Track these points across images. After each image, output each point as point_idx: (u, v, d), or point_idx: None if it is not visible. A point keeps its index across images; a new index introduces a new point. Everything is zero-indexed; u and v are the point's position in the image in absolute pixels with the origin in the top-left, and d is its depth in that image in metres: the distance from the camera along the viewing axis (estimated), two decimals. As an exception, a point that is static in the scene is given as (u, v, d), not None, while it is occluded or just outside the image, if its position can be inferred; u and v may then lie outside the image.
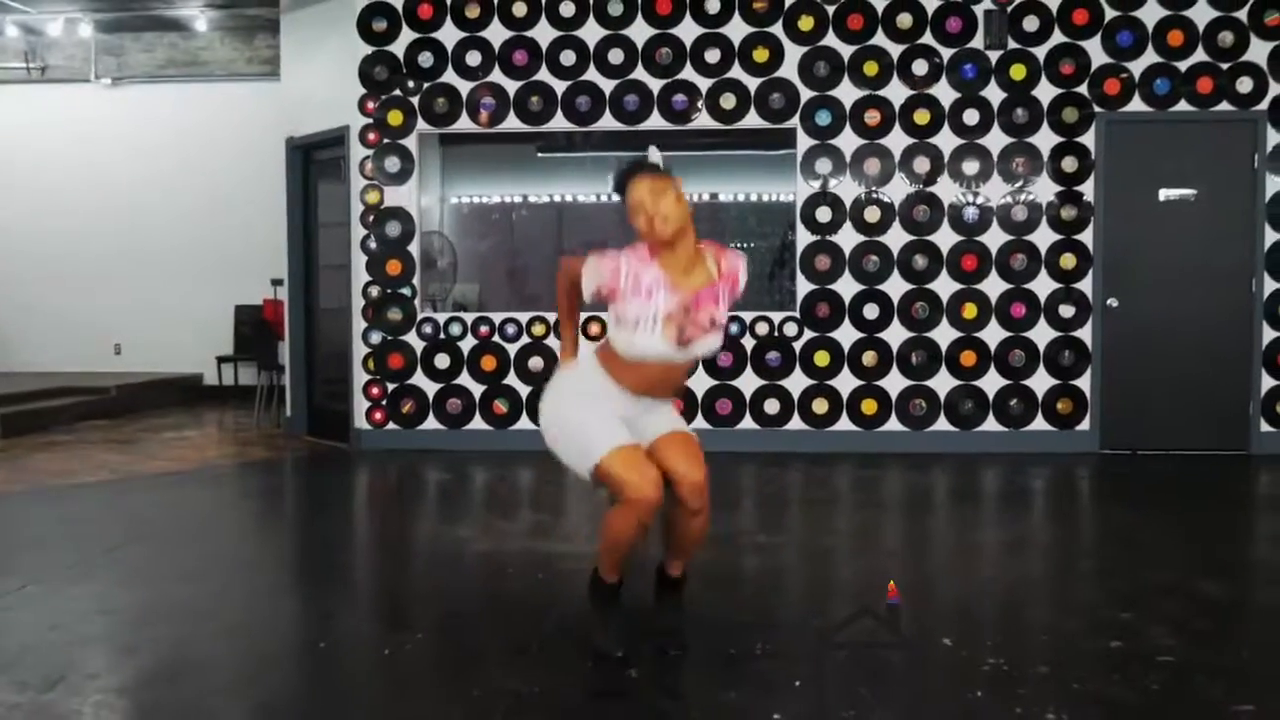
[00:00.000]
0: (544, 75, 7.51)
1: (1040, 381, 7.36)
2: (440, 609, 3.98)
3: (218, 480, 6.77)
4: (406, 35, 7.57)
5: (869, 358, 7.41)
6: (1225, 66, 7.22)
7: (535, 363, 7.53)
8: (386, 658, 3.36)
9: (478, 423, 7.57)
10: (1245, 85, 7.21)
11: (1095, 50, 7.27)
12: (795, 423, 7.39)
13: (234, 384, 10.45)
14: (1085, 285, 7.31)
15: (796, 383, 7.39)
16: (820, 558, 4.84)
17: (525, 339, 7.55)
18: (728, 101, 7.39)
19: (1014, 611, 3.93)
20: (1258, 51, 7.20)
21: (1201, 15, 7.21)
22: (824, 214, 7.42)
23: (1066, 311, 7.33)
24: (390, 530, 5.61)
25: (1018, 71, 7.31)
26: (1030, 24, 7.30)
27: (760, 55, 7.39)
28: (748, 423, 7.41)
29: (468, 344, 7.58)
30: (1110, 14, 7.26)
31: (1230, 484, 6.55)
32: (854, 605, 3.90)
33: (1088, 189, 7.29)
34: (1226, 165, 7.27)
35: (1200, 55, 7.22)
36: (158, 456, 7.46)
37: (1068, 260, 7.31)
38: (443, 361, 7.59)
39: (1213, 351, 7.27)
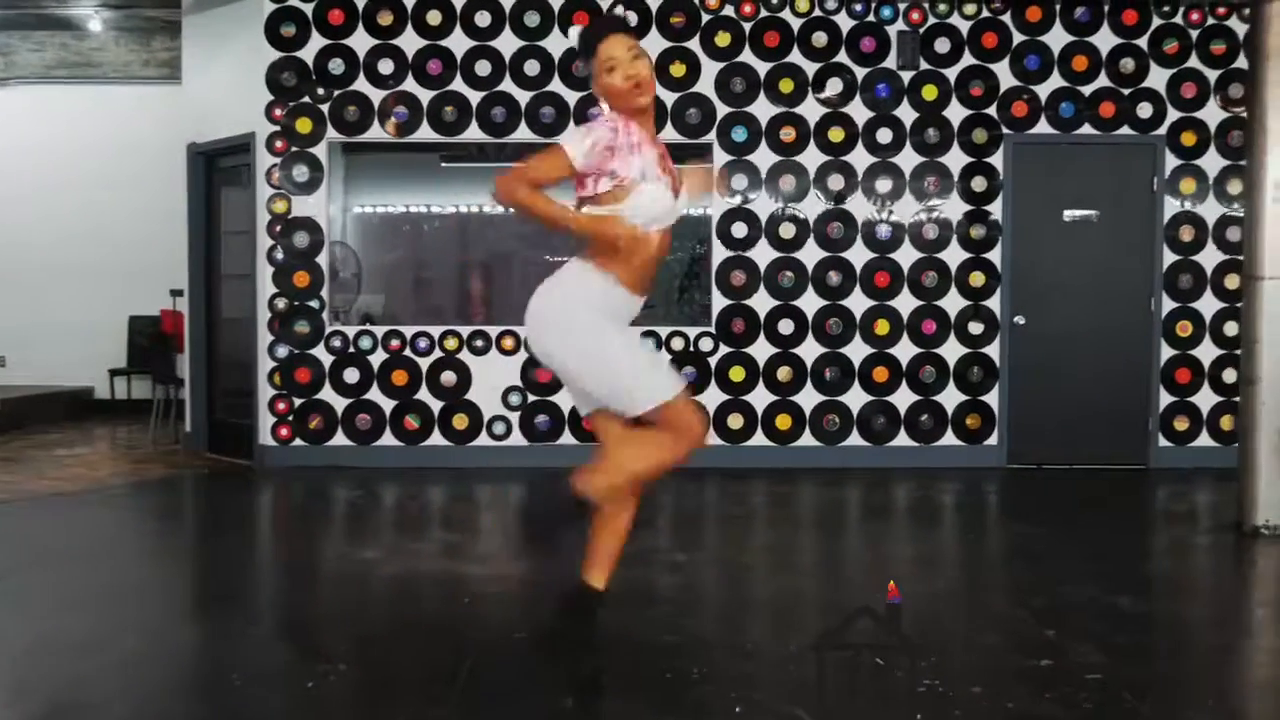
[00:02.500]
0: (459, 85, 7.39)
1: (950, 397, 7.47)
2: (360, 636, 3.84)
3: (114, 500, 6.47)
4: (316, 41, 7.38)
5: (784, 373, 7.44)
6: (1127, 92, 7.43)
7: (448, 377, 7.38)
8: (309, 690, 3.22)
9: (388, 439, 7.39)
10: (1145, 110, 7.44)
11: (1004, 73, 7.43)
12: (710, 438, 7.37)
13: (127, 398, 10.07)
14: (993, 303, 7.45)
15: (711, 398, 7.38)
16: (740, 576, 4.81)
17: (438, 353, 7.40)
18: (644, 116, 7.35)
19: (942, 630, 3.95)
20: (1157, 78, 7.43)
21: (1104, 41, 7.42)
22: (740, 229, 7.43)
23: (975, 328, 7.46)
24: (300, 552, 5.42)
25: (929, 92, 7.42)
26: (941, 46, 7.42)
27: (677, 70, 7.38)
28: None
29: (378, 358, 7.40)
30: (1018, 38, 7.42)
31: (1131, 498, 6.72)
32: (779, 623, 3.88)
33: (996, 208, 7.44)
34: (1127, 187, 7.48)
35: (1103, 80, 7.43)
36: (47, 475, 7.12)
37: (977, 278, 7.45)
38: (352, 376, 7.40)
39: (1113, 368, 7.47)
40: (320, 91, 7.39)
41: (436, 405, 7.39)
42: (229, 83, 7.71)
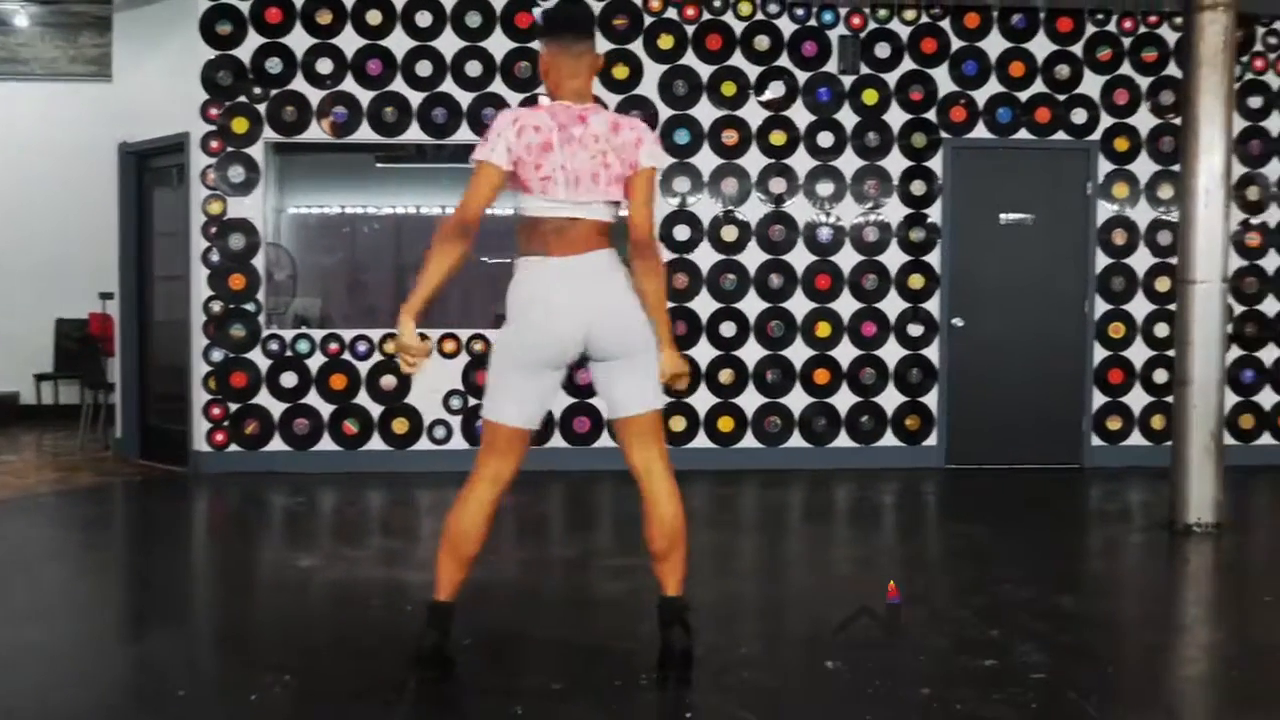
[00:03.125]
0: (399, 85, 7.31)
1: (890, 399, 7.54)
2: (303, 646, 3.76)
3: (42, 509, 6.30)
4: (253, 40, 7.25)
5: (725, 375, 7.46)
6: (1062, 98, 7.56)
7: (388, 381, 7.29)
8: (255, 703, 3.15)
9: (326, 443, 7.28)
10: (1080, 116, 7.57)
11: (943, 78, 7.52)
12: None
13: (54, 403, 9.81)
14: (932, 305, 7.53)
15: (655, 401, 7.35)
16: (688, 581, 4.79)
17: (377, 356, 7.30)
18: (586, 118, 7.33)
19: (885, 632, 3.97)
20: (1091, 85, 7.57)
21: (1040, 48, 7.54)
22: (682, 232, 7.44)
23: (915, 330, 7.53)
24: (239, 561, 5.30)
25: (870, 96, 7.49)
26: (882, 50, 7.49)
27: (620, 72, 7.37)
28: (605, 440, 7.34)
29: (316, 362, 7.29)
30: (957, 44, 7.51)
31: (1067, 497, 6.84)
32: (725, 627, 3.88)
33: (935, 212, 7.52)
34: (1062, 192, 7.61)
35: (1039, 86, 7.55)
36: (-28, 483, 6.92)
37: (916, 280, 7.52)
38: (289, 380, 7.27)
39: (1049, 370, 7.59)
40: (257, 91, 7.26)
41: (376, 409, 7.30)
42: (162, 81, 7.54)
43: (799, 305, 7.48)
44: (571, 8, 3.50)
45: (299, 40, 7.28)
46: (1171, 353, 7.34)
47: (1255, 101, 7.68)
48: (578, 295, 3.19)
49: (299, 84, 7.27)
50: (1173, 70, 7.54)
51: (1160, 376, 7.56)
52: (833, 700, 3.23)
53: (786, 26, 7.46)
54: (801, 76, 7.46)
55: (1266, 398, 7.75)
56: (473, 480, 3.29)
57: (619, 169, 3.23)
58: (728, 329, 7.45)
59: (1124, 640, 3.97)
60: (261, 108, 7.26)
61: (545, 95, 3.37)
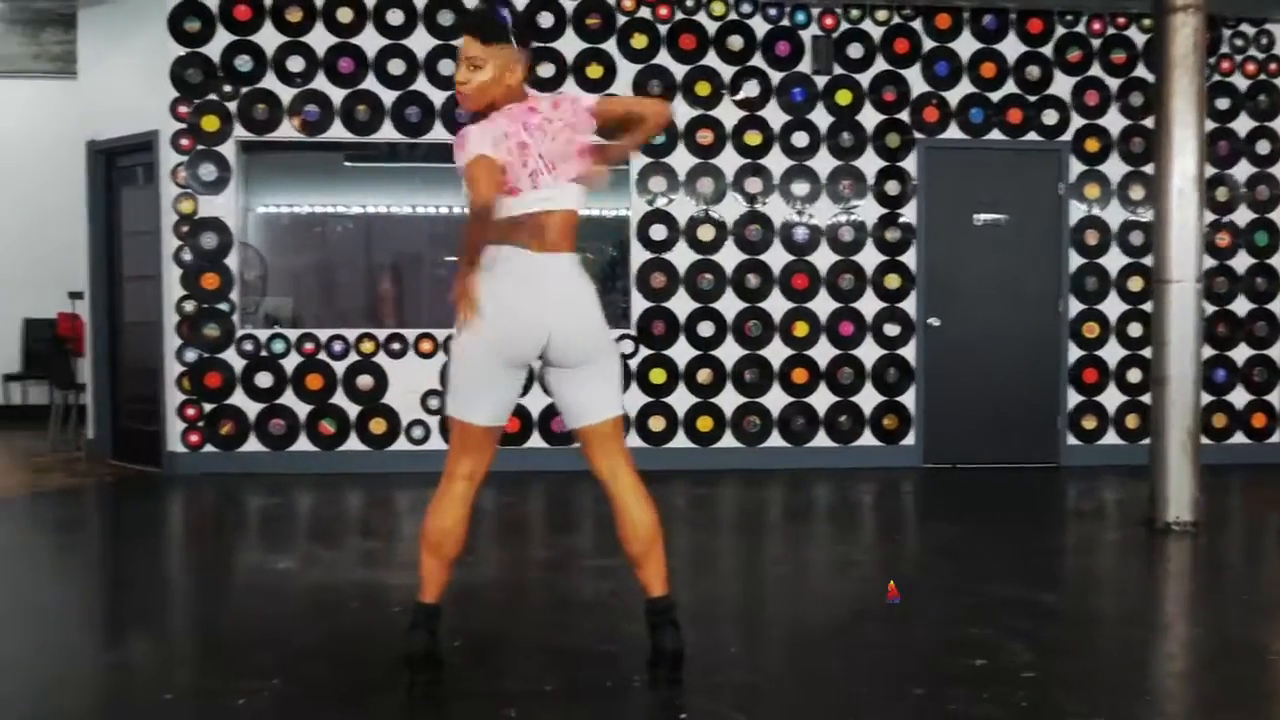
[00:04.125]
0: (371, 84, 7.25)
1: (868, 398, 7.57)
2: (286, 650, 3.71)
3: (15, 512, 6.21)
4: (223, 37, 7.17)
5: (704, 375, 7.46)
6: (1033, 99, 7.62)
7: (364, 380, 7.24)
8: (242, 707, 3.11)
9: (303, 443, 7.22)
10: (1051, 117, 7.63)
11: (915, 79, 7.55)
12: (632, 440, 7.30)
13: (22, 404, 9.67)
14: (909, 305, 7.57)
15: (633, 400, 7.35)
16: (672, 581, 4.78)
17: (354, 356, 7.25)
18: (562, 117, 7.30)
19: (875, 632, 3.98)
20: (1062, 86, 7.64)
21: (1011, 49, 7.60)
22: (659, 231, 7.43)
23: (891, 330, 7.57)
24: (218, 563, 5.24)
25: (843, 97, 7.51)
26: (855, 51, 7.52)
27: (594, 71, 7.35)
28: (583, 441, 7.32)
29: (291, 361, 7.22)
30: (929, 44, 7.55)
31: (1044, 496, 6.90)
32: (711, 628, 3.87)
33: (909, 212, 7.56)
34: (1034, 192, 7.67)
35: (1010, 87, 7.61)
36: (-60, 486, 6.80)
37: (892, 280, 7.56)
38: (265, 380, 7.20)
39: (1024, 369, 7.65)
40: (227, 89, 7.18)
41: (353, 409, 7.24)
42: (130, 79, 7.44)
43: (777, 305, 7.49)
44: (479, 12, 3.42)
45: (269, 38, 7.21)
46: (1145, 352, 7.47)
47: (1223, 103, 7.77)
48: (548, 296, 3.17)
49: (270, 82, 7.20)
50: (1142, 72, 7.62)
51: (1134, 376, 7.64)
52: (827, 701, 3.23)
53: (760, 26, 7.47)
54: (775, 76, 7.48)
55: (1238, 397, 7.84)
56: (446, 480, 3.26)
57: (581, 138, 3.24)
58: (706, 328, 7.45)
59: (1110, 637, 3.98)
60: (232, 105, 7.18)
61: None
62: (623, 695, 3.25)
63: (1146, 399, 7.45)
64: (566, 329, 3.18)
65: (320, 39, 7.23)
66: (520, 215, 3.18)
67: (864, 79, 7.53)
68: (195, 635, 4.08)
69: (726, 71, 7.45)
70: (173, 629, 4.14)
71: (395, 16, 7.26)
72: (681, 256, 7.44)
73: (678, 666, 3.27)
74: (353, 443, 7.23)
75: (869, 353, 7.55)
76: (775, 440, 7.51)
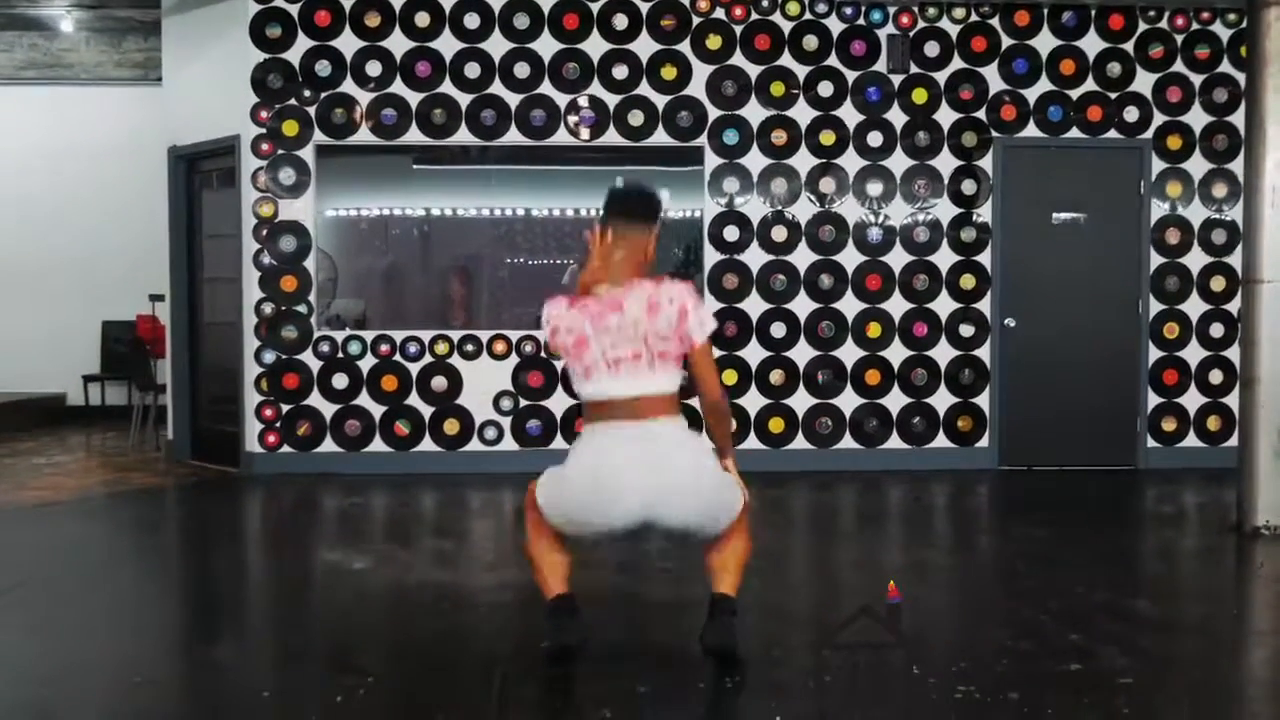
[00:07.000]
0: (447, 87, 7.31)
1: (941, 399, 7.49)
2: (381, 648, 3.77)
3: (103, 511, 6.34)
4: (303, 43, 7.27)
5: (776, 376, 7.43)
6: (1113, 96, 7.49)
7: (439, 382, 7.30)
8: (340, 705, 3.15)
9: (378, 444, 7.29)
10: (1132, 114, 7.50)
11: (993, 77, 7.46)
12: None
13: (101, 404, 9.89)
14: (984, 305, 7.48)
15: (704, 402, 7.33)
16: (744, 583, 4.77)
17: (428, 358, 7.31)
18: (635, 118, 7.32)
19: (967, 635, 3.93)
20: (1143, 82, 7.50)
21: (1091, 46, 7.48)
22: (731, 233, 7.41)
23: (966, 331, 7.48)
24: (298, 563, 5.30)
25: (919, 96, 7.44)
26: (931, 50, 7.44)
27: (668, 73, 7.35)
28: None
29: (367, 363, 7.31)
30: (1007, 42, 7.46)
31: (1125, 499, 6.77)
32: (803, 630, 3.85)
33: (985, 211, 7.47)
34: (1114, 190, 7.54)
35: (1090, 84, 7.48)
36: (28, 485, 6.96)
37: (967, 281, 7.47)
38: (341, 381, 7.29)
39: (1103, 370, 7.52)
40: (307, 94, 7.28)
41: (427, 410, 7.31)
42: (211, 85, 7.58)
43: (849, 306, 7.44)
44: (630, 195, 3.49)
45: (348, 43, 7.30)
46: (1227, 353, 7.33)
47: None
48: (634, 464, 3.22)
49: (348, 86, 7.29)
50: (1226, 68, 7.46)
51: (1216, 377, 7.48)
52: (924, 705, 3.19)
53: (835, 26, 7.42)
54: (850, 76, 7.42)
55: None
56: (531, 531, 3.47)
57: (662, 346, 3.27)
58: (778, 330, 7.42)
59: (1207, 644, 3.91)
60: (311, 110, 7.28)
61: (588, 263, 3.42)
62: (717, 696, 3.24)
63: (1228, 401, 7.36)
64: (669, 501, 3.26)
65: (398, 43, 7.31)
66: (590, 401, 3.34)
67: (940, 77, 7.46)
68: (283, 634, 4.12)
69: (801, 71, 7.41)
70: (260, 628, 4.20)
71: (472, 20, 7.32)
72: (754, 257, 7.42)
73: (732, 663, 3.36)
74: (427, 444, 7.29)
75: (943, 354, 7.47)
76: (847, 442, 7.45)
